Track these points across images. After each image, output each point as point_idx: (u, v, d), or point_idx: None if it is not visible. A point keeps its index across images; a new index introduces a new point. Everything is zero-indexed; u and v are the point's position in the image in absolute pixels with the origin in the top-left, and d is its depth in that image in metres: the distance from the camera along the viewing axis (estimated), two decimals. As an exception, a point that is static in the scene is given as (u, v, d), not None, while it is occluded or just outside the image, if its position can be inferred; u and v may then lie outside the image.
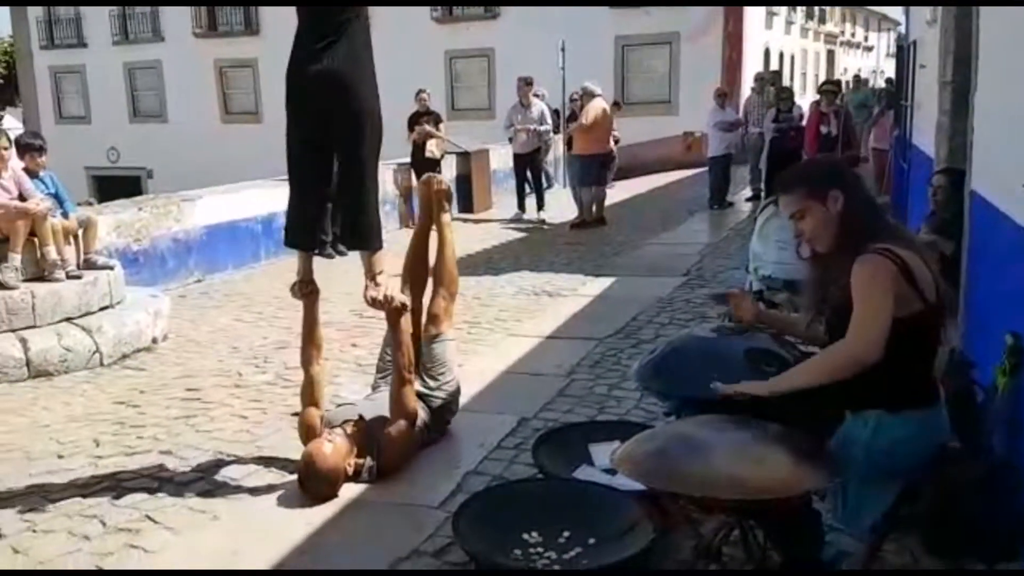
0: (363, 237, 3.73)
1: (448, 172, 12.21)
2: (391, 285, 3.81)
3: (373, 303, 3.74)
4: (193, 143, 25.37)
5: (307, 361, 3.91)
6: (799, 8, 28.09)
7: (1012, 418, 2.88)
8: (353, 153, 3.62)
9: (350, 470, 3.59)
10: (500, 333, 6.19)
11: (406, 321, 3.91)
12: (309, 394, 3.86)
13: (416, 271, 4.38)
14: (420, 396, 3.94)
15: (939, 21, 6.25)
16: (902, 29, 13.40)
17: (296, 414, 4.05)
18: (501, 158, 13.34)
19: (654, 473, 2.27)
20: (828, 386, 2.31)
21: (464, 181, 12.87)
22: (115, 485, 3.82)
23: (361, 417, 3.77)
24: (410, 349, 3.88)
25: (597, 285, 7.65)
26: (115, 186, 24.08)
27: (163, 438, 4.38)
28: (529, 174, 12.03)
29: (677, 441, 2.35)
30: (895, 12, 29.92)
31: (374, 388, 4.25)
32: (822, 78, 28.47)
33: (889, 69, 27.12)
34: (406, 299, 3.92)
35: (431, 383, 4.05)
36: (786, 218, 2.59)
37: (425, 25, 22.65)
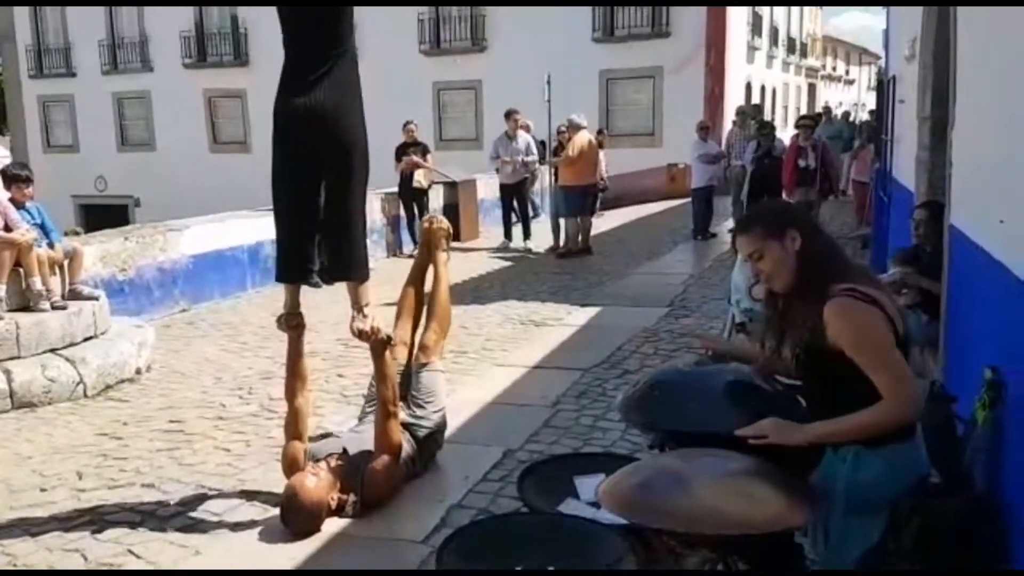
0: (349, 268, 3.76)
1: (436, 202, 12.28)
2: (377, 317, 3.82)
3: (360, 335, 3.76)
4: (181, 171, 25.40)
5: (291, 393, 3.91)
6: (780, 42, 28.55)
7: (991, 451, 2.90)
8: (340, 185, 3.66)
9: (333, 504, 3.58)
10: (486, 363, 6.20)
11: (391, 353, 3.92)
12: (293, 427, 3.85)
13: (411, 304, 4.43)
14: (406, 426, 3.95)
15: (917, 57, 6.37)
16: (882, 63, 13.62)
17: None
18: (488, 188, 13.42)
19: (637, 508, 2.27)
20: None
21: (451, 210, 12.91)
22: (97, 519, 3.80)
23: (345, 451, 3.76)
24: (395, 382, 3.89)
25: (583, 315, 7.69)
26: (102, 214, 24.01)
27: (146, 471, 4.36)
28: (515, 204, 12.12)
29: (660, 475, 2.36)
30: (876, 46, 30.44)
31: (361, 418, 4.24)
32: (804, 111, 28.91)
33: (870, 102, 27.53)
34: (391, 332, 3.93)
35: (418, 411, 4.05)
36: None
37: (413, 57, 22.86)
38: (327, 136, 3.54)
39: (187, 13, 25.95)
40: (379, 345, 3.81)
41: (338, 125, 3.54)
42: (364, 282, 3.78)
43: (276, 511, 3.64)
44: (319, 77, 3.49)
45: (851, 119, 18.68)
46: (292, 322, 3.88)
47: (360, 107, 3.68)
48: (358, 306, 3.76)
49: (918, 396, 2.28)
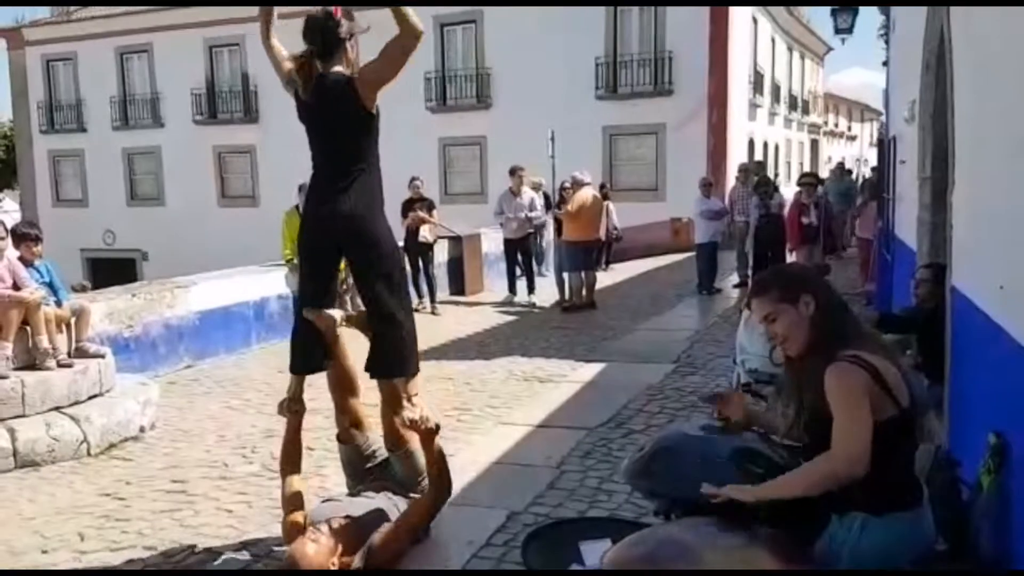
0: (391, 367, 3.80)
1: (440, 256, 12.37)
2: (424, 406, 3.81)
3: (411, 425, 3.75)
4: (190, 225, 25.70)
5: (287, 472, 3.93)
6: (782, 99, 28.93)
7: (997, 517, 2.88)
8: (373, 286, 3.76)
9: (334, 569, 3.53)
10: (491, 421, 6.17)
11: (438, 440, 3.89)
12: (290, 501, 3.85)
13: (341, 387, 4.17)
14: (407, 496, 3.95)
15: (916, 119, 6.46)
16: (884, 119, 13.82)
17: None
18: (493, 242, 13.53)
19: (642, 579, 2.27)
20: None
21: (456, 264, 13.04)
22: (98, 583, 3.77)
23: (348, 516, 3.72)
24: (446, 463, 3.87)
25: (588, 371, 7.67)
26: (109, 268, 24.25)
27: (148, 533, 4.33)
28: (520, 258, 12.21)
29: (665, 546, 2.36)
30: (877, 103, 30.82)
31: (361, 480, 4.19)
32: (806, 167, 29.19)
33: (872, 157, 27.78)
34: (439, 420, 3.90)
35: (412, 493, 4.01)
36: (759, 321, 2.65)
37: (420, 114, 23.20)
38: (352, 238, 3.71)
39: (199, 71, 26.49)
40: (428, 435, 3.78)
41: (363, 227, 3.68)
42: (414, 376, 3.82)
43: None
44: (345, 188, 3.65)
45: (852, 175, 18.76)
46: (294, 407, 3.93)
47: (382, 212, 3.83)
48: (407, 396, 3.78)
49: (860, 456, 2.28)
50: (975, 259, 3.73)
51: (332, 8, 3.67)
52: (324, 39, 3.65)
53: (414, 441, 4.00)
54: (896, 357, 2.53)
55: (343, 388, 4.14)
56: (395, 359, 3.79)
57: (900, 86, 8.31)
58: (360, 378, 4.10)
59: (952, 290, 4.10)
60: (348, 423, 4.16)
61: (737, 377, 5.23)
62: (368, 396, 4.21)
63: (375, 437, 4.19)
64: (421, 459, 3.98)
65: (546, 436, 5.73)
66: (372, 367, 3.83)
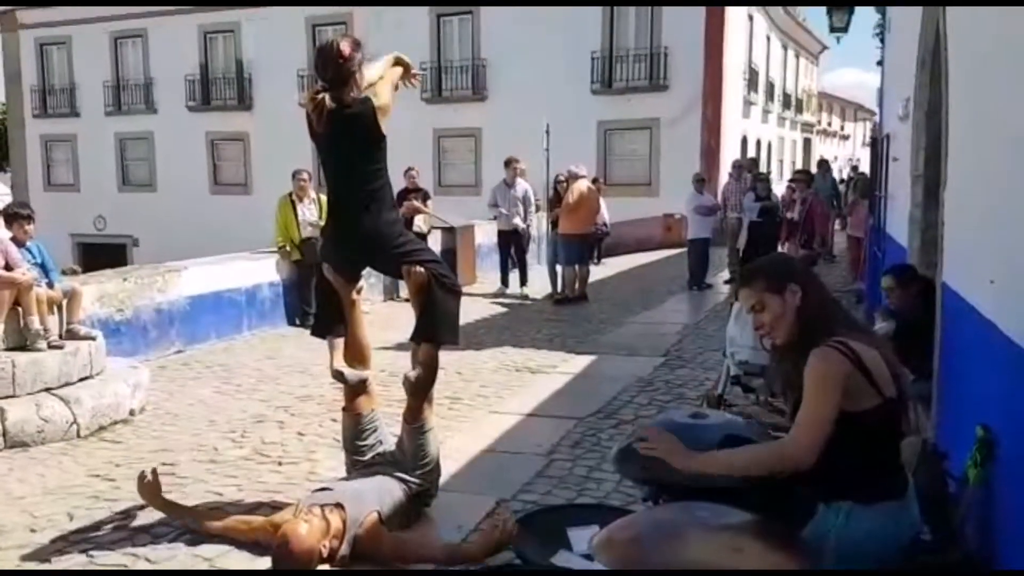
0: (423, 332, 4.09)
1: (434, 246, 12.36)
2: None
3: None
4: (181, 212, 25.60)
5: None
6: (775, 97, 28.97)
7: (983, 509, 2.91)
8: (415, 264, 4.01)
9: (324, 552, 3.55)
10: (481, 410, 6.19)
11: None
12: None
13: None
14: (403, 480, 3.99)
15: (911, 117, 6.50)
16: (877, 119, 13.85)
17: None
18: (486, 233, 13.54)
19: (631, 562, 2.28)
20: (801, 477, 2.35)
21: (449, 255, 13.02)
22: (87, 562, 3.77)
23: (339, 503, 3.73)
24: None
25: (578, 362, 7.70)
26: (100, 253, 24.13)
27: (137, 514, 4.32)
28: (513, 250, 12.22)
29: (654, 529, 2.37)
30: (871, 102, 30.89)
31: (354, 467, 4.21)
32: (799, 165, 29.24)
33: (865, 157, 27.81)
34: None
35: (418, 472, 4.05)
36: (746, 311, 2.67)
37: (415, 105, 23.14)
38: (374, 254, 4.08)
39: (193, 57, 26.37)
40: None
41: (382, 245, 3.99)
42: (437, 345, 4.14)
43: (267, 558, 3.62)
44: (361, 211, 3.94)
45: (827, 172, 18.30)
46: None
47: (398, 222, 4.20)
48: (422, 361, 4.08)
49: (814, 448, 2.30)
50: (966, 256, 3.76)
51: (342, 44, 3.87)
52: (336, 75, 3.86)
53: (430, 420, 4.12)
54: (885, 348, 2.54)
55: (355, 357, 4.28)
56: (427, 326, 4.05)
57: (895, 84, 8.34)
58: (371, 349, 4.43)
59: (943, 286, 4.14)
60: (355, 393, 4.27)
61: (727, 370, 5.26)
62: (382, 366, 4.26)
63: (377, 414, 4.31)
64: (431, 443, 4.09)
65: (536, 425, 5.75)
66: (413, 332, 4.15)
